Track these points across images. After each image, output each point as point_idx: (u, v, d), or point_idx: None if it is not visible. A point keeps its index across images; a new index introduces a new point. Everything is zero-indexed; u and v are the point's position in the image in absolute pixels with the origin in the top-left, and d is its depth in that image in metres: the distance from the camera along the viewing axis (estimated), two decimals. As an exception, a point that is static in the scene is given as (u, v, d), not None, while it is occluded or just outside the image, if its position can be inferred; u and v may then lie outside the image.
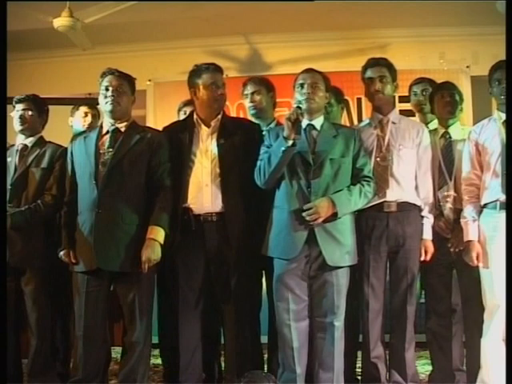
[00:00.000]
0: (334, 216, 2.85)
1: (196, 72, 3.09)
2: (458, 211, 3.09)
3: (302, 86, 2.95)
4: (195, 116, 3.11)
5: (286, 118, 2.82)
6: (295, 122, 2.78)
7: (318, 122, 2.99)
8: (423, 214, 3.12)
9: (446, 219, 3.13)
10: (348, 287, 2.95)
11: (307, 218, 2.82)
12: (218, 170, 2.99)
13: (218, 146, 3.02)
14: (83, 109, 3.64)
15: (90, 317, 2.92)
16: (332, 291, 2.86)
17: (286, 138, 2.79)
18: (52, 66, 5.65)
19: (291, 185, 2.89)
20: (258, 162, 2.92)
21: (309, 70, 3.02)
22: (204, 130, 3.07)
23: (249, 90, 3.41)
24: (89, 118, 3.60)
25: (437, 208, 3.16)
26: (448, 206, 3.13)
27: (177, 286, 3.03)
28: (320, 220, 2.82)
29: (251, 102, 3.39)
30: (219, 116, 3.10)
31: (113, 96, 2.96)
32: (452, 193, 3.13)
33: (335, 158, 2.92)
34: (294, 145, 2.80)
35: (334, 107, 3.53)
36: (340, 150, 2.94)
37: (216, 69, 3.08)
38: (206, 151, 3.03)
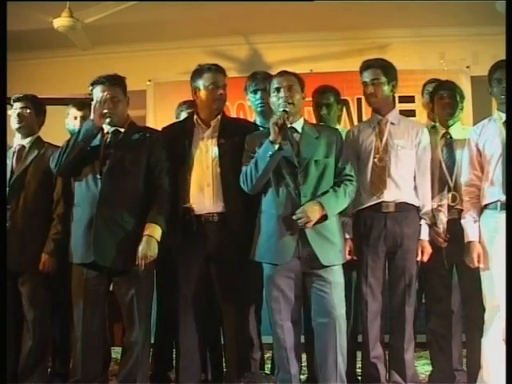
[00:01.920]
0: (323, 218, 2.84)
1: (198, 72, 3.09)
2: (451, 222, 3.09)
3: (278, 89, 2.92)
4: (195, 116, 3.12)
5: (272, 122, 2.80)
6: (282, 127, 2.78)
7: (299, 124, 2.98)
8: (421, 214, 3.12)
9: (439, 229, 3.11)
10: (347, 287, 2.95)
11: (298, 223, 2.81)
12: (218, 170, 2.99)
13: (218, 145, 3.02)
14: (73, 112, 3.62)
15: (89, 317, 2.92)
16: (329, 290, 2.85)
17: (273, 143, 2.78)
18: (52, 66, 5.66)
19: (278, 189, 2.88)
20: (243, 168, 2.90)
21: (283, 73, 2.98)
22: (204, 130, 3.08)
23: (258, 86, 3.31)
24: (78, 122, 3.58)
25: (432, 217, 3.14)
26: (441, 217, 3.11)
27: (177, 286, 3.03)
28: (311, 224, 2.81)
29: (260, 98, 3.29)
30: (219, 116, 3.10)
31: (109, 109, 2.93)
32: (445, 202, 3.12)
33: (319, 159, 2.91)
34: (280, 149, 2.78)
35: (334, 107, 3.52)
36: (323, 150, 2.93)
37: (217, 69, 3.08)
38: (207, 151, 3.04)
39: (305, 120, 3.05)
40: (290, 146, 2.89)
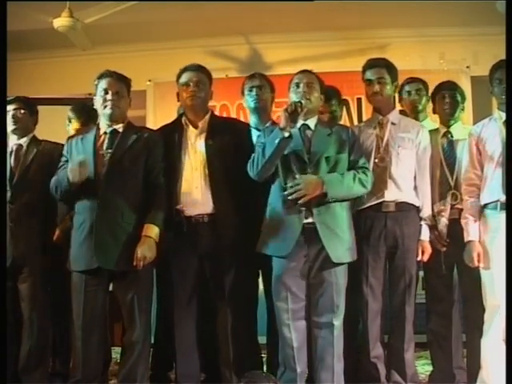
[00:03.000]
0: (323, 197, 2.82)
1: (178, 74, 3.12)
2: (452, 222, 3.08)
3: (297, 85, 2.96)
4: (184, 117, 3.12)
5: (283, 109, 2.82)
6: (292, 114, 2.78)
7: (312, 121, 2.99)
8: (421, 214, 3.12)
9: (440, 233, 3.11)
10: (347, 287, 2.94)
11: (293, 196, 2.81)
12: (207, 171, 2.99)
13: (206, 146, 3.02)
14: (75, 125, 3.63)
15: (88, 317, 2.91)
16: (331, 290, 2.86)
17: (282, 130, 2.79)
18: (52, 66, 5.66)
19: (286, 183, 2.88)
20: (252, 155, 2.91)
21: (304, 71, 3.03)
22: (192, 131, 3.08)
23: (254, 83, 3.37)
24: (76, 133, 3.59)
25: (433, 219, 3.14)
26: (443, 221, 3.11)
27: (171, 287, 3.03)
28: (307, 198, 2.80)
29: (256, 95, 3.35)
30: (206, 116, 3.10)
31: (113, 100, 2.95)
32: (448, 207, 3.11)
33: (331, 156, 2.92)
34: (289, 137, 2.79)
35: (338, 109, 3.53)
36: (335, 147, 2.94)
37: (194, 69, 3.10)
38: (195, 152, 3.04)
39: (319, 118, 3.05)
40: (302, 141, 2.91)
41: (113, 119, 3.00)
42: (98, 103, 3.02)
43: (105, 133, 3.02)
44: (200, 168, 3.01)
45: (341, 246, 2.87)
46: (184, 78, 3.08)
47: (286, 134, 2.78)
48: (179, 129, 3.10)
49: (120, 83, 3.00)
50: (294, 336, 2.88)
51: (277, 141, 2.79)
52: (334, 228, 2.86)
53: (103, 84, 2.98)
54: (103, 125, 3.04)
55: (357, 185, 2.89)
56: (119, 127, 3.02)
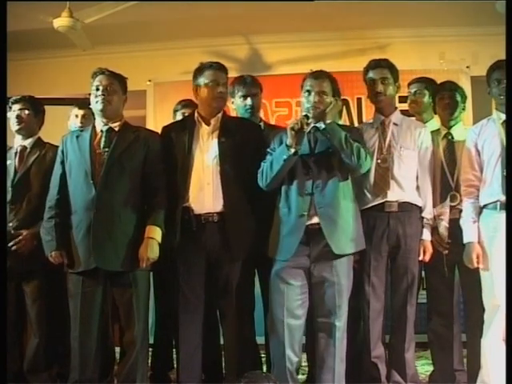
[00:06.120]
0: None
1: (199, 70, 3.08)
2: (453, 222, 3.08)
3: (308, 92, 2.93)
4: (196, 114, 3.10)
5: (289, 127, 2.81)
6: (298, 132, 2.79)
7: (321, 124, 2.95)
8: (423, 214, 3.12)
9: (440, 237, 3.12)
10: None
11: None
12: (218, 169, 2.97)
13: (218, 144, 3.01)
14: (74, 111, 3.63)
15: (85, 317, 2.90)
16: (332, 291, 2.85)
17: (289, 147, 2.80)
18: (52, 66, 5.66)
19: (292, 186, 2.89)
20: (262, 164, 2.93)
21: (317, 76, 2.95)
22: (204, 129, 3.06)
23: (250, 90, 3.37)
24: (78, 119, 3.57)
25: (434, 221, 3.14)
26: (443, 224, 3.11)
27: (177, 286, 3.02)
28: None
29: (249, 102, 3.35)
30: (219, 115, 3.08)
31: (103, 95, 2.95)
32: (447, 211, 3.12)
33: (333, 160, 2.90)
34: (295, 153, 2.81)
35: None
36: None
37: (219, 67, 3.07)
38: (207, 150, 3.02)
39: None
40: (308, 144, 2.91)
41: (105, 115, 2.99)
42: (92, 101, 3.02)
43: (101, 131, 3.01)
44: (212, 165, 2.99)
45: (344, 236, 2.86)
46: (211, 77, 3.02)
47: (293, 151, 2.79)
48: (191, 126, 3.08)
49: (111, 79, 2.99)
50: (286, 333, 2.86)
51: (284, 157, 2.81)
52: (337, 219, 2.85)
53: (95, 81, 2.99)
54: (98, 123, 3.04)
55: (350, 144, 2.83)
56: (115, 126, 3.02)
